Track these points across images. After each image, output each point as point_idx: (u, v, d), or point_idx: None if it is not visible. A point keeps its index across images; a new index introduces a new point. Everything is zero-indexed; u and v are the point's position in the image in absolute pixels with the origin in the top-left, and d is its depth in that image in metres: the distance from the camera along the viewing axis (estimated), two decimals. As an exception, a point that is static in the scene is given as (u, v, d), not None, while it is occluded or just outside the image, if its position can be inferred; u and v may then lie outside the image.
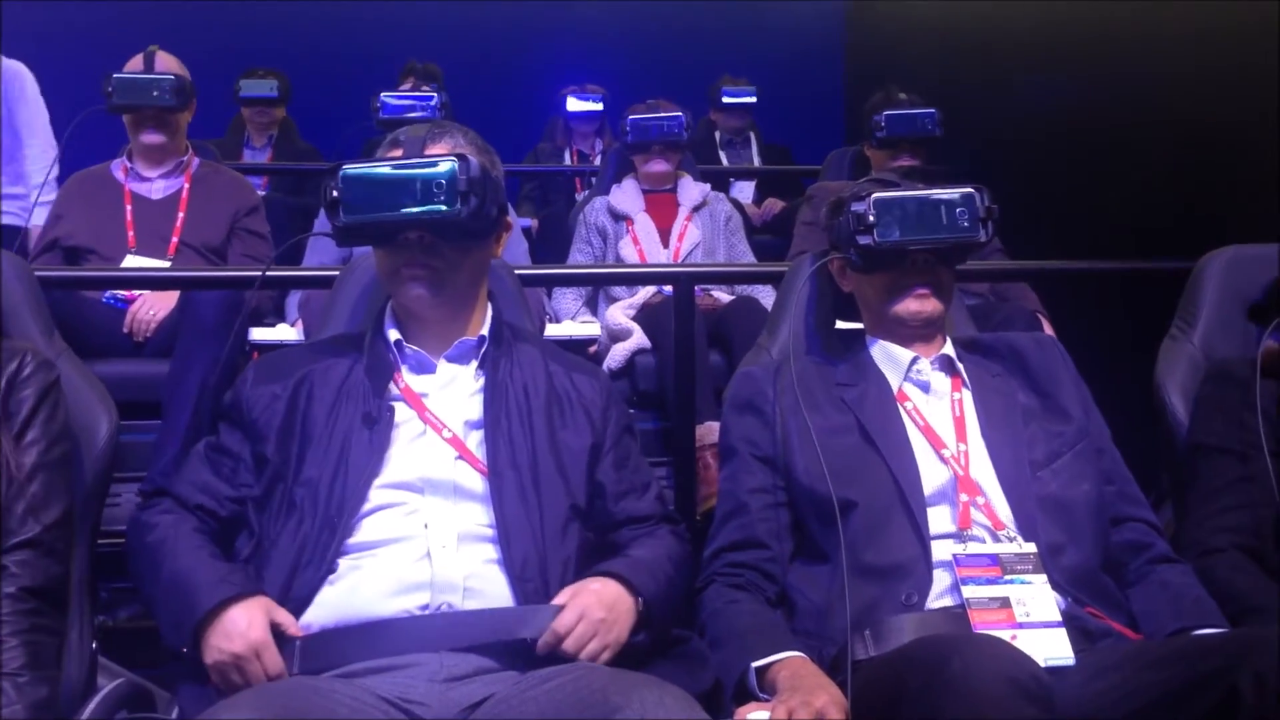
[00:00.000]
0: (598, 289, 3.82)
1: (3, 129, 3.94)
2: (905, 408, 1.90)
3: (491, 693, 1.54)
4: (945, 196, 1.91)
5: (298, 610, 1.63)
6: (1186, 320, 2.26)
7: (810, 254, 2.16)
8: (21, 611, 1.57)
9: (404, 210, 1.69)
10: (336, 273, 2.15)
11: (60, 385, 1.72)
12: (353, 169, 1.71)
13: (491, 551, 1.68)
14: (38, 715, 1.52)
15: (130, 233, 3.27)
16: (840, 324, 2.10)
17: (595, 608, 1.61)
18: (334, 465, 1.70)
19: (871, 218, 1.89)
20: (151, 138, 3.36)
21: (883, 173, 2.04)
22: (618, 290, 3.72)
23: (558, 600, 1.62)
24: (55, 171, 4.02)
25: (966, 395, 1.92)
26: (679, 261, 3.76)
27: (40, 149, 4.08)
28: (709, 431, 3.18)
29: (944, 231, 1.90)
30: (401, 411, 1.76)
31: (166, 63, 3.39)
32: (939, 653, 1.43)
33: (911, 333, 1.94)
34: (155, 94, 3.30)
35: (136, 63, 3.39)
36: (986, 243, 1.94)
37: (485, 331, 1.83)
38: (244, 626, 1.56)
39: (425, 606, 1.62)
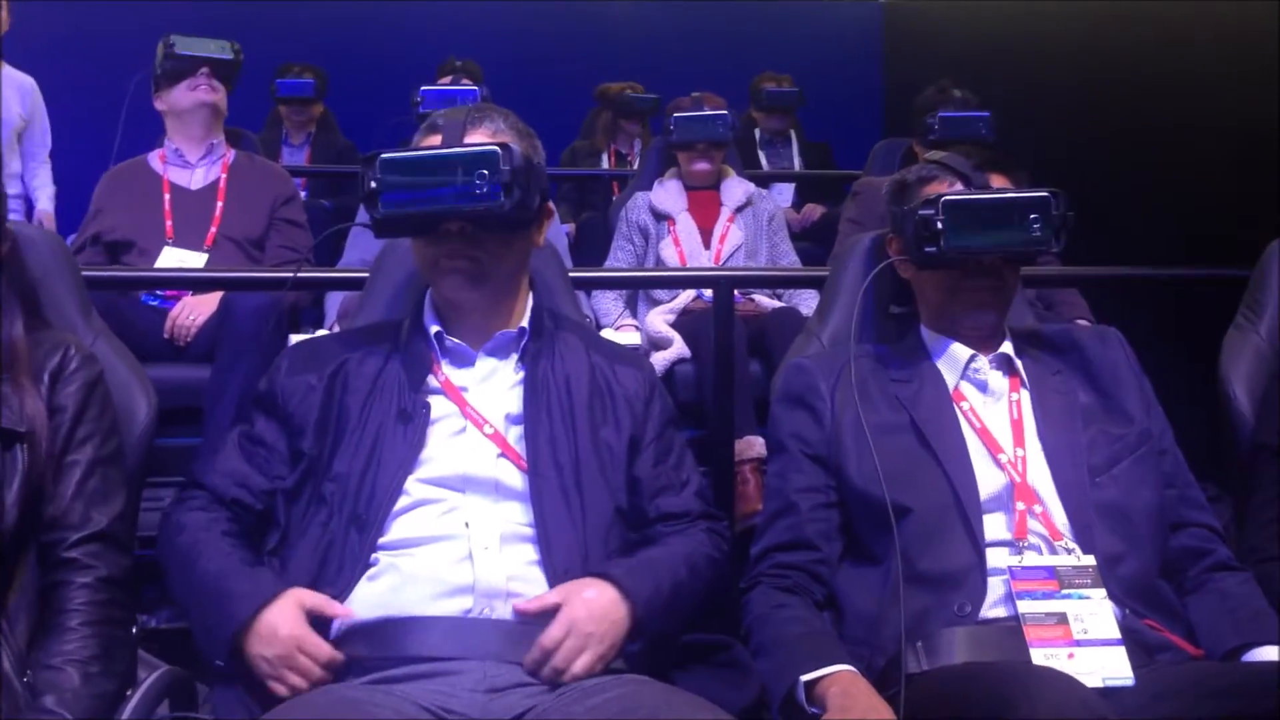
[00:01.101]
0: (638, 290, 3.79)
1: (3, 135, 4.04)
2: (961, 408, 1.83)
3: (533, 705, 1.51)
4: (1019, 200, 1.80)
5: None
6: (1253, 309, 2.17)
7: (870, 237, 2.07)
8: (98, 602, 1.56)
9: (446, 202, 1.64)
10: (366, 274, 2.11)
11: (104, 379, 1.70)
12: (392, 156, 1.65)
13: (533, 552, 1.64)
14: (101, 708, 1.50)
15: (168, 222, 3.26)
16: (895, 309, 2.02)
17: (585, 621, 1.55)
18: (365, 460, 1.66)
19: (939, 224, 1.78)
20: (207, 94, 3.33)
21: (952, 157, 1.91)
22: (659, 293, 3.68)
23: (550, 597, 1.57)
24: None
25: (1025, 396, 1.85)
26: (720, 264, 3.73)
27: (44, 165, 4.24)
28: (748, 446, 3.14)
29: (1015, 238, 1.79)
30: (441, 405, 1.72)
31: None
32: (1004, 687, 1.39)
33: (973, 334, 1.87)
34: (217, 49, 3.30)
35: None
36: (1058, 250, 1.83)
37: (525, 323, 1.79)
38: (276, 626, 1.53)
39: (468, 611, 1.59)
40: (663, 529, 1.76)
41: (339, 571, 1.62)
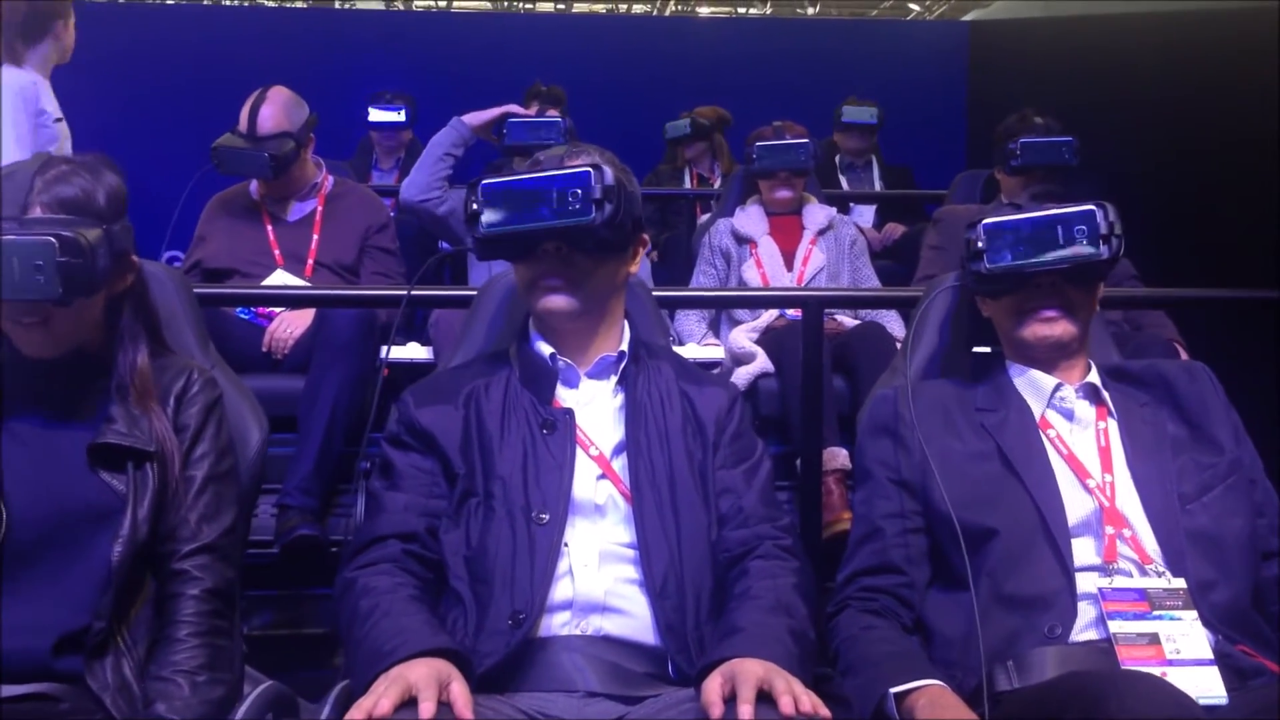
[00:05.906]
0: (720, 311, 3.83)
1: None
2: (1048, 435, 1.85)
3: (627, 710, 1.56)
4: (1061, 215, 1.86)
5: (538, 613, 1.62)
6: None
7: (953, 275, 2.13)
8: (204, 613, 1.64)
9: (541, 219, 1.71)
10: (474, 292, 2.19)
11: (222, 402, 1.79)
12: (492, 181, 1.74)
13: (631, 570, 1.69)
14: (209, 714, 1.57)
15: (276, 251, 3.37)
16: (977, 349, 2.05)
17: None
18: (521, 469, 1.71)
19: (980, 244, 1.87)
20: (263, 189, 3.45)
21: (1017, 198, 2.01)
22: (740, 312, 3.72)
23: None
24: None
25: (1112, 424, 1.87)
26: (803, 285, 3.75)
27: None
28: (831, 457, 3.17)
29: (1059, 251, 1.85)
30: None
31: (273, 116, 3.34)
32: (1094, 690, 1.40)
33: (1045, 357, 1.90)
34: (257, 166, 3.32)
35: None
36: (1113, 261, 1.86)
37: (625, 348, 1.84)
38: (438, 667, 1.46)
39: (565, 625, 1.64)
40: (731, 543, 1.74)
41: (539, 576, 1.64)
